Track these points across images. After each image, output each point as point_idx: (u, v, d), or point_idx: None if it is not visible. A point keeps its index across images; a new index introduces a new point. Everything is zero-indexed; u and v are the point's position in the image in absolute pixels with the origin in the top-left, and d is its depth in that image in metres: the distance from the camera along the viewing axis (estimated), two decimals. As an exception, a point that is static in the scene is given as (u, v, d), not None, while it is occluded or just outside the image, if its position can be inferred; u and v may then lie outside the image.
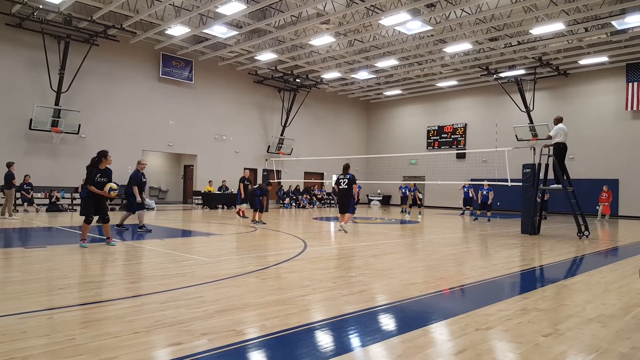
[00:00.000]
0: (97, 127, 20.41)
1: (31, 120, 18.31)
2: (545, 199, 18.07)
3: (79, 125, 19.43)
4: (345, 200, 11.94)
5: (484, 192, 18.39)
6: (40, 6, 17.13)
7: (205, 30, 19.44)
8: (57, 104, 18.88)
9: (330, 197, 29.00)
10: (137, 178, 10.77)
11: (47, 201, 17.91)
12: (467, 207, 20.48)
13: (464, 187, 20.47)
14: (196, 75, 23.94)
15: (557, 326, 3.87)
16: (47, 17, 17.88)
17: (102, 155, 8.03)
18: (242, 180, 16.17)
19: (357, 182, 12.27)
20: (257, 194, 14.33)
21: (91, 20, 18.19)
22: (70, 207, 18.39)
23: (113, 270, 6.04)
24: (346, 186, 11.84)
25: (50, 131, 18.72)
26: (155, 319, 3.77)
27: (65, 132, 19.10)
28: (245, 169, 19.84)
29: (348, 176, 11.83)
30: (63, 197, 18.66)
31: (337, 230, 12.07)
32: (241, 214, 16.12)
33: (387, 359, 3.07)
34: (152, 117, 22.35)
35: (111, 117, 20.94)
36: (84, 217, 7.93)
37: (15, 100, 18.30)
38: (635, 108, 22.71)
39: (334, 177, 30.19)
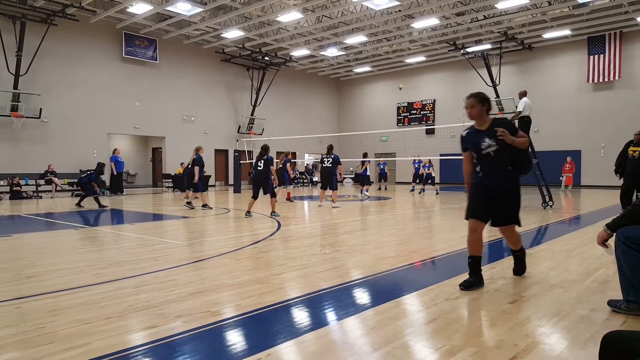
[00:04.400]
0: (59, 110, 19.68)
1: (-12, 105, 17.53)
2: None
3: (40, 109, 18.68)
4: (329, 178, 12.69)
5: (426, 170, 19.01)
6: (-9, -16, 16.26)
7: (169, 8, 18.83)
8: (15, 87, 18.07)
9: (304, 176, 29.00)
10: (202, 161, 12.37)
11: (8, 189, 17.28)
12: (417, 182, 20.35)
13: (414, 162, 20.72)
14: (161, 54, 23.26)
15: (522, 293, 4.04)
16: (-2, -5, 16.96)
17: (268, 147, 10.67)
18: (288, 161, 15.52)
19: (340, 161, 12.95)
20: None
21: (47, -2, 17.38)
22: (34, 195, 17.82)
23: (82, 257, 5.92)
24: (330, 165, 12.56)
25: (9, 116, 17.96)
26: (127, 303, 3.74)
27: (26, 117, 18.36)
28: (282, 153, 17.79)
29: (332, 156, 12.56)
30: (26, 184, 18.06)
31: (318, 206, 12.51)
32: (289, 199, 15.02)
33: (361, 331, 3.15)
34: (116, 99, 21.68)
35: (74, 100, 20.20)
36: (271, 194, 10.53)
37: (-31, 84, 17.45)
38: (596, 80, 23.41)
39: (306, 156, 30.40)
